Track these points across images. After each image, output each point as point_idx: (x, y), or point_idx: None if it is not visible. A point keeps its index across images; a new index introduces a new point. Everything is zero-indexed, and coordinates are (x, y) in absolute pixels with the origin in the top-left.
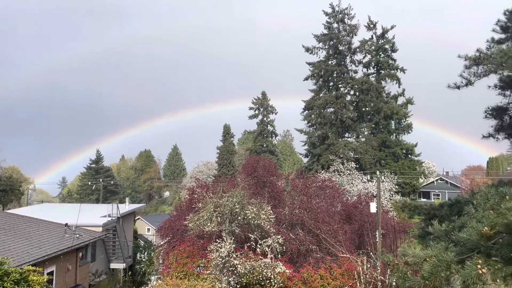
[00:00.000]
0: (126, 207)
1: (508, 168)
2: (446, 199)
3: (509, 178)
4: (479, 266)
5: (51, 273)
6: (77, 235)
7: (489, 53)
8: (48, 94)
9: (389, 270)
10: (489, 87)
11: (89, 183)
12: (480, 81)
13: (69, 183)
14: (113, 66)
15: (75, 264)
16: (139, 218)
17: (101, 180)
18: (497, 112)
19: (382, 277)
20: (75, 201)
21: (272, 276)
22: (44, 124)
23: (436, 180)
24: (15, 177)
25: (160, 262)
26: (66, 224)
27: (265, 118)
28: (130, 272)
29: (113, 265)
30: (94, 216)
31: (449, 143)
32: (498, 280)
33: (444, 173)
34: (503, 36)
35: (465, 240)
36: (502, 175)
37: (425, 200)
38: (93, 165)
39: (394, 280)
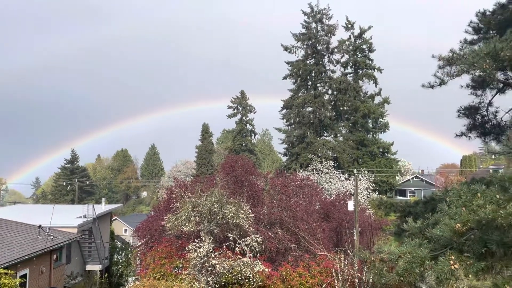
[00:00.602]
0: (102, 207)
1: (481, 166)
2: (421, 196)
3: (481, 176)
4: (451, 262)
5: (24, 276)
6: (51, 237)
7: (462, 53)
8: (21, 93)
9: (366, 267)
10: (462, 86)
11: (64, 183)
12: (453, 81)
13: (43, 184)
14: (88, 65)
15: (49, 267)
16: (116, 219)
17: (76, 180)
18: (469, 112)
19: (359, 274)
20: (49, 202)
21: (251, 275)
22: (16, 124)
23: (412, 178)
24: None
25: (137, 263)
26: (40, 225)
27: (244, 117)
28: (106, 273)
29: (89, 267)
30: (69, 217)
31: (424, 141)
32: (470, 275)
33: (420, 171)
34: (475, 37)
35: (438, 237)
36: (475, 173)
37: (401, 197)
38: (68, 165)
39: (371, 277)
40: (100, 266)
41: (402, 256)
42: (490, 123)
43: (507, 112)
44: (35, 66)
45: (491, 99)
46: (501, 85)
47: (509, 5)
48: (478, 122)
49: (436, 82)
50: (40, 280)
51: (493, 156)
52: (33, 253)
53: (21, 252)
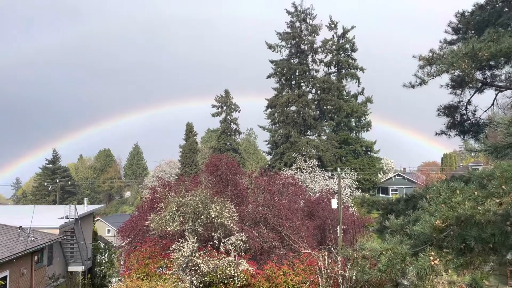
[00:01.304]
0: (85, 208)
1: (461, 164)
2: (403, 194)
3: (460, 174)
4: (431, 258)
5: (4, 278)
6: (32, 238)
7: (441, 53)
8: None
9: (349, 264)
10: (442, 86)
11: (45, 184)
12: (433, 80)
13: (24, 184)
14: (69, 63)
15: (30, 268)
16: (98, 219)
17: (58, 180)
18: (449, 110)
19: (343, 271)
20: (30, 202)
21: (235, 274)
22: None
23: (394, 176)
24: None
25: (121, 263)
26: (20, 226)
27: (228, 116)
28: (89, 275)
29: (71, 268)
30: (50, 218)
31: (406, 140)
32: (449, 271)
33: (401, 169)
34: (454, 37)
35: (418, 233)
36: (455, 170)
37: (383, 195)
38: (50, 165)
39: (354, 273)
40: (83, 267)
41: (383, 252)
42: (469, 121)
43: (485, 111)
44: (15, 62)
45: (470, 98)
46: (480, 84)
47: (487, 6)
48: (457, 120)
49: (416, 81)
50: (21, 282)
51: (472, 154)
52: (13, 254)
53: (1, 253)
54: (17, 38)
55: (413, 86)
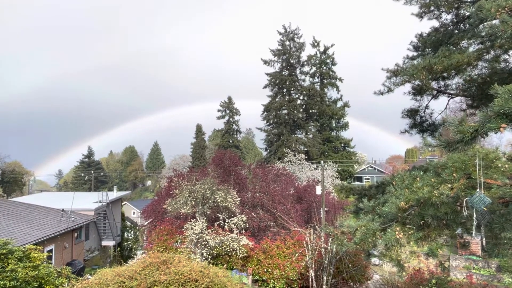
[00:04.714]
0: (114, 194)
1: (420, 157)
2: (374, 182)
3: (420, 164)
4: (397, 232)
5: (50, 251)
6: (72, 218)
7: (404, 66)
8: (45, 98)
9: (330, 239)
10: (405, 93)
11: (82, 174)
12: (398, 89)
13: (65, 175)
14: (103, 77)
15: (71, 243)
16: (125, 203)
17: (92, 172)
18: (410, 113)
19: (325, 245)
20: (70, 190)
21: (237, 248)
22: (43, 125)
23: (367, 167)
24: (18, 170)
25: (144, 239)
26: (63, 209)
27: (231, 119)
28: (119, 248)
29: (104, 243)
30: (87, 202)
31: (376, 137)
32: (411, 243)
33: (373, 161)
34: (415, 53)
35: (386, 213)
36: (416, 162)
37: (358, 183)
38: (86, 159)
39: (334, 246)
40: (114, 242)
41: (358, 229)
42: (427, 122)
43: (440, 113)
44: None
45: (428, 103)
46: (435, 92)
47: (441, 28)
48: (417, 121)
49: (385, 89)
50: (64, 254)
51: (429, 149)
52: (57, 232)
53: (47, 231)
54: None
55: (382, 93)
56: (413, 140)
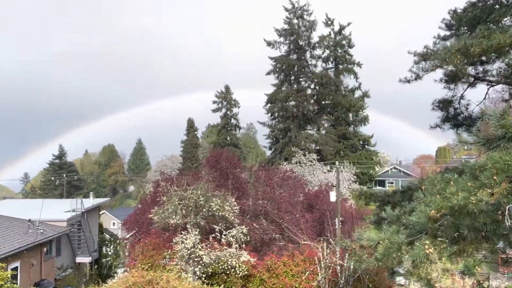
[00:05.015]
0: (91, 201)
1: (454, 157)
2: (399, 186)
3: (454, 166)
4: (426, 247)
5: (15, 269)
6: (41, 230)
7: (435, 49)
8: (6, 88)
9: (347, 255)
10: (436, 81)
11: (53, 178)
12: (428, 75)
13: (32, 179)
14: (74, 60)
15: (39, 259)
16: (104, 213)
17: (64, 175)
18: (443, 104)
19: (341, 261)
20: (38, 197)
21: (237, 265)
22: (4, 120)
23: (391, 169)
24: None
25: (126, 255)
26: (30, 219)
27: (228, 112)
28: (96, 265)
29: (79, 259)
30: (58, 211)
31: (402, 133)
32: (443, 259)
33: (398, 162)
34: (447, 33)
35: (414, 223)
36: (449, 163)
37: (380, 188)
38: (56, 161)
39: (352, 263)
40: (90, 258)
41: (380, 242)
42: (462, 115)
43: (477, 105)
44: (24, 63)
45: (463, 92)
46: (472, 79)
47: (479, 3)
48: (451, 114)
49: (412, 76)
50: (31, 273)
51: (465, 147)
52: (23, 246)
53: (12, 245)
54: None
55: (408, 81)
56: (445, 137)
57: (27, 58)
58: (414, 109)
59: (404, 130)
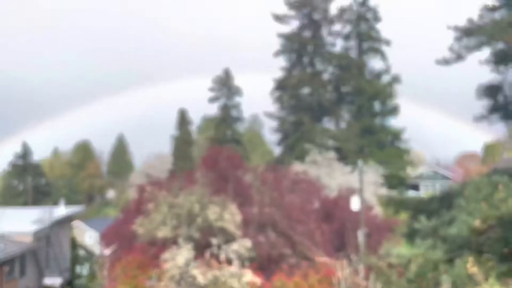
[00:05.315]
0: (62, 210)
1: (505, 155)
2: (436, 191)
3: (505, 167)
4: (469, 265)
5: None
6: (1, 246)
7: (481, 23)
8: None
9: (372, 275)
10: (481, 61)
11: (15, 182)
12: (472, 55)
13: None
14: (35, 41)
15: (0, 281)
16: (78, 224)
17: (29, 179)
18: (490, 91)
19: (365, 283)
20: None
21: (239, 287)
22: None
23: (426, 170)
24: None
25: (104, 275)
26: None
27: (228, 101)
28: None
29: (47, 281)
30: (21, 222)
31: (440, 127)
32: (490, 280)
33: (435, 162)
34: (497, 3)
35: (454, 236)
36: (498, 163)
37: (413, 193)
38: (19, 161)
39: (379, 285)
40: (60, 279)
41: (413, 259)
42: None
43: None
44: None
45: None
46: None
47: None
48: (500, 102)
49: (452, 56)
50: None
51: None
52: None
53: None
54: None
55: (448, 62)
56: (494, 131)
57: None
58: (455, 97)
59: (443, 123)
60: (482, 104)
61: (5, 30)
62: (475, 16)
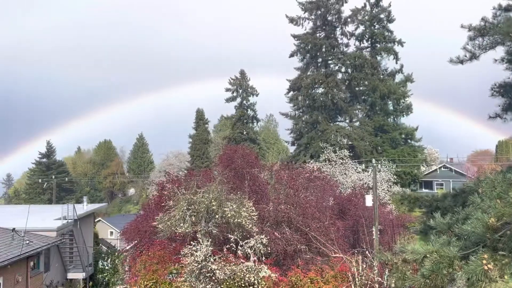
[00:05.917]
0: (84, 207)
1: None
2: (450, 189)
3: None
4: (484, 262)
5: None
6: (27, 241)
7: (495, 22)
8: None
9: (387, 270)
10: (496, 60)
11: (40, 180)
12: (485, 54)
13: (16, 182)
14: (65, 47)
15: (25, 275)
16: (100, 220)
17: (53, 177)
18: (504, 89)
19: (380, 278)
20: (23, 202)
21: (255, 282)
22: None
23: (439, 168)
24: None
25: (126, 269)
26: (14, 229)
27: (244, 101)
28: (91, 282)
29: (71, 275)
30: (46, 218)
31: (454, 125)
32: (506, 277)
33: (448, 160)
34: (511, 2)
35: (469, 233)
36: None
37: (427, 190)
38: (44, 160)
39: (393, 280)
40: (84, 273)
41: (428, 255)
42: None
43: None
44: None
45: None
46: None
47: None
48: None
49: (466, 56)
50: None
51: None
52: (6, 260)
53: None
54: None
55: (461, 62)
56: (508, 129)
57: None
58: (468, 96)
59: (456, 121)
60: (496, 103)
61: (29, 30)
62: (489, 15)
